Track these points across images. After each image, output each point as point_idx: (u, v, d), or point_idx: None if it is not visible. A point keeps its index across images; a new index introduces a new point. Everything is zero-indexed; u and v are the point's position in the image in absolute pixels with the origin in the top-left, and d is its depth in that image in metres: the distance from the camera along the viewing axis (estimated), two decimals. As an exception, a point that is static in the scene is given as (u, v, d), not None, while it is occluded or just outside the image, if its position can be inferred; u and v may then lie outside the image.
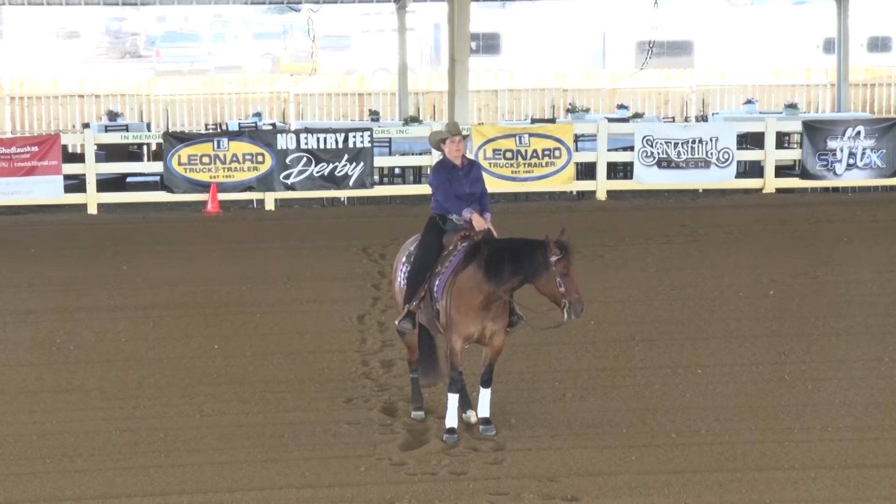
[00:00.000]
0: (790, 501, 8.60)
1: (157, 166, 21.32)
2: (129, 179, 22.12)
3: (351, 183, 20.96)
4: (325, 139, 20.94)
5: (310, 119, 28.77)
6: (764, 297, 14.26)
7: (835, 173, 21.67)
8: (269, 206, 20.87)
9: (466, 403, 10.03)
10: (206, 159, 20.66)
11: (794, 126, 22.43)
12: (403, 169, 22.41)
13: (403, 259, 10.28)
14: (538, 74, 30.89)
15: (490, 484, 8.85)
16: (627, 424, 10.03)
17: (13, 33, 55.26)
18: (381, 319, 13.17)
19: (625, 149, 21.72)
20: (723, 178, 21.48)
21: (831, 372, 11.38)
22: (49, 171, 20.32)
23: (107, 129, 23.72)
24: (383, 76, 34.32)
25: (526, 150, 21.12)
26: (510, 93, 30.18)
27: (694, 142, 21.34)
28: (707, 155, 21.36)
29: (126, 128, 24.17)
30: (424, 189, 20.68)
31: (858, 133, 21.58)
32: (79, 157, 21.22)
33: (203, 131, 25.56)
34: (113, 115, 25.20)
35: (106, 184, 21.26)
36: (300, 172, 20.82)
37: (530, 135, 21.29)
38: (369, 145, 20.96)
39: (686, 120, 28.56)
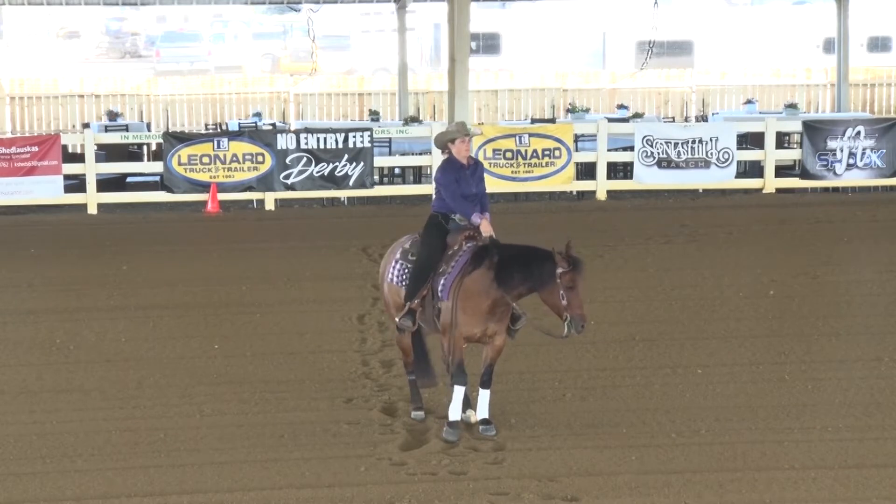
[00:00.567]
0: (790, 501, 8.60)
1: (157, 166, 21.32)
2: (129, 179, 22.12)
3: (351, 183, 20.97)
4: (325, 139, 20.94)
5: (310, 119, 28.77)
6: (764, 297, 14.26)
7: (835, 173, 21.68)
8: (269, 206, 20.87)
9: (466, 403, 10.04)
10: (206, 159, 20.67)
11: (794, 126, 22.43)
12: (403, 169, 22.42)
13: (398, 256, 10.22)
14: (538, 74, 30.90)
15: (490, 484, 8.85)
16: (627, 424, 10.03)
17: (13, 33, 55.28)
18: (381, 319, 13.17)
19: (625, 149, 21.73)
20: (723, 178, 21.49)
21: (831, 372, 11.38)
22: (49, 171, 20.33)
23: (107, 129, 23.72)
24: (383, 76, 34.32)
25: (526, 150, 21.12)
26: (510, 93, 30.18)
27: (694, 142, 21.34)
28: (707, 155, 21.36)
29: (126, 128, 24.17)
30: (424, 189, 20.73)
31: (858, 133, 21.58)
32: (79, 157, 21.23)
33: (203, 131, 25.57)
34: (113, 115, 25.20)
35: (106, 184, 21.26)
36: (300, 172, 20.83)
37: (530, 135, 21.29)
38: (369, 145, 20.96)
39: (686, 120, 28.56)
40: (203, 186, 20.69)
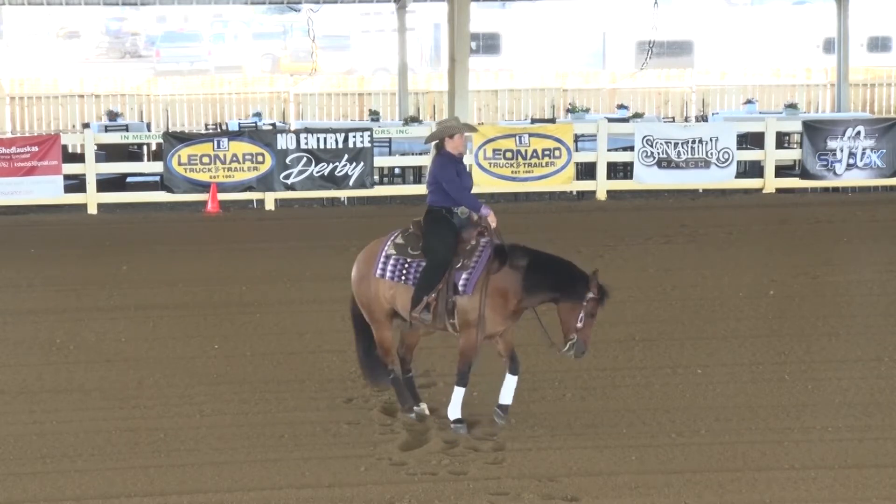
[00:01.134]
0: (790, 501, 8.60)
1: (157, 166, 21.32)
2: (129, 179, 22.12)
3: (351, 183, 20.97)
4: (325, 139, 20.94)
5: (310, 119, 28.77)
6: (764, 297, 14.26)
7: (835, 173, 21.68)
8: (269, 206, 20.87)
9: (416, 398, 10.26)
10: (206, 159, 20.67)
11: (794, 126, 22.43)
12: (403, 169, 22.42)
13: (390, 251, 10.07)
14: (538, 74, 30.90)
15: (490, 484, 8.85)
16: (627, 424, 10.03)
17: (13, 33, 55.28)
18: (381, 319, 13.14)
19: (625, 149, 21.73)
20: (723, 178, 21.49)
21: (831, 372, 11.38)
22: (49, 171, 20.33)
23: (107, 129, 23.73)
24: (383, 76, 34.33)
25: (526, 150, 21.12)
26: (510, 93, 30.18)
27: (694, 142, 21.34)
28: (707, 155, 21.36)
29: (126, 128, 24.17)
30: (424, 189, 20.70)
31: (858, 133, 21.58)
32: (79, 157, 21.22)
33: (203, 131, 25.57)
34: (113, 115, 25.20)
35: (106, 184, 21.26)
36: (300, 172, 20.83)
37: (530, 135, 21.29)
38: (369, 145, 20.96)
39: (686, 120, 28.56)
40: (203, 186, 20.69)
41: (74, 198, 20.67)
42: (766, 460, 9.26)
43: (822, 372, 11.38)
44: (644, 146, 21.29)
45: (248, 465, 9.24)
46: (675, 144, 21.31)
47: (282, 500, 8.66)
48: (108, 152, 22.27)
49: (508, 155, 21.10)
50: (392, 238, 10.26)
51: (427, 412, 10.13)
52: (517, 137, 21.17)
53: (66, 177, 20.56)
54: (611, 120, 22.92)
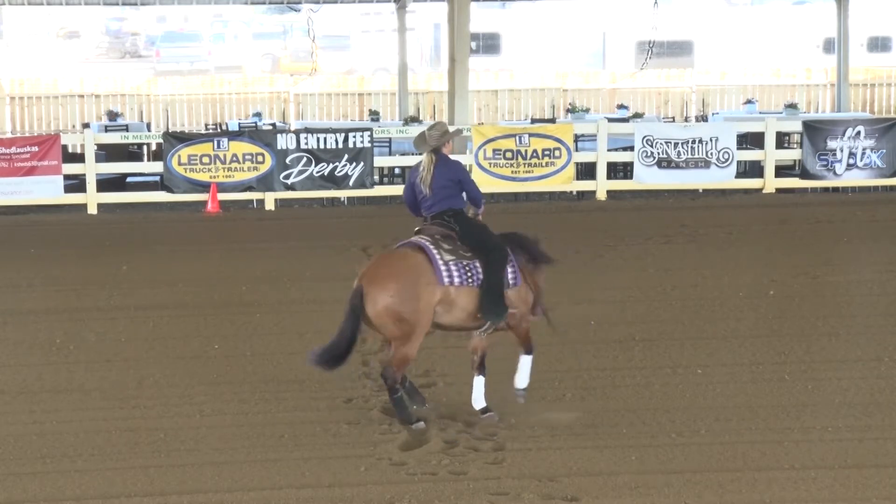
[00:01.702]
0: (790, 501, 8.60)
1: (157, 166, 21.32)
2: (129, 179, 22.13)
3: (351, 183, 20.97)
4: (325, 139, 20.94)
5: (310, 119, 28.79)
6: (764, 297, 14.26)
7: (835, 173, 21.68)
8: (269, 206, 20.88)
9: (421, 399, 10.30)
10: (206, 159, 20.67)
11: (794, 126, 22.44)
12: (403, 169, 22.39)
13: (449, 257, 9.87)
14: (538, 74, 30.91)
15: (490, 484, 8.85)
16: (627, 424, 10.03)
17: (13, 33, 55.29)
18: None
19: (625, 149, 21.73)
20: (723, 178, 21.49)
21: (831, 372, 11.37)
22: (49, 171, 20.33)
23: (107, 129, 23.73)
24: (383, 76, 34.34)
25: (526, 150, 21.12)
26: (510, 93, 30.19)
27: (694, 142, 21.34)
28: (707, 155, 21.36)
29: (126, 128, 24.18)
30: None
31: (858, 133, 21.59)
32: (79, 157, 21.23)
33: (203, 131, 25.58)
34: (113, 115, 25.21)
35: (106, 184, 21.27)
36: (300, 172, 20.83)
37: (530, 135, 21.29)
38: (369, 145, 20.97)
39: (686, 120, 28.57)
40: (203, 186, 20.69)
41: (74, 198, 20.67)
42: (766, 460, 9.25)
43: (822, 372, 11.38)
44: (644, 146, 21.29)
45: (248, 465, 9.23)
46: (675, 144, 21.31)
47: (282, 500, 8.66)
48: (108, 152, 22.27)
49: (508, 155, 21.10)
50: (434, 243, 9.95)
51: (423, 427, 9.95)
52: (517, 137, 21.17)
53: (66, 177, 20.57)
54: (611, 120, 22.92)
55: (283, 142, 20.88)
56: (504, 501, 8.60)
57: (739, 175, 21.92)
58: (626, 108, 25.32)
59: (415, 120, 23.64)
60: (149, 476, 9.04)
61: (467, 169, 19.87)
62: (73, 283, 15.35)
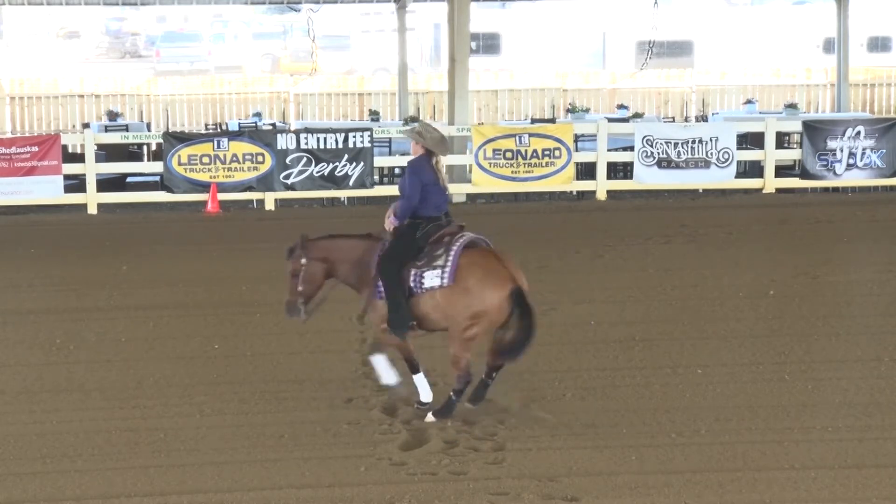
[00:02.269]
0: (790, 501, 8.60)
1: (157, 166, 21.32)
2: (129, 179, 22.13)
3: (351, 183, 20.97)
4: (325, 139, 20.94)
5: (310, 119, 28.79)
6: (764, 297, 14.25)
7: (835, 173, 21.68)
8: (269, 206, 20.87)
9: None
10: (206, 159, 20.67)
11: (794, 126, 22.44)
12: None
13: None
14: (538, 74, 30.91)
15: (490, 484, 8.85)
16: (627, 424, 10.03)
17: (13, 33, 55.29)
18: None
19: (625, 149, 21.73)
20: (723, 178, 21.49)
21: (831, 372, 11.37)
22: (49, 171, 20.33)
23: (107, 129, 23.73)
24: (383, 76, 34.34)
25: (526, 150, 21.12)
26: (510, 93, 30.19)
27: (694, 142, 21.34)
28: (707, 155, 21.36)
29: (126, 128, 24.18)
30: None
31: (858, 133, 21.59)
32: (79, 157, 21.22)
33: (203, 131, 25.58)
34: (113, 115, 25.21)
35: (106, 184, 21.27)
36: (300, 172, 20.83)
37: (530, 135, 21.29)
38: (369, 145, 20.97)
39: (686, 120, 28.57)
40: (203, 186, 20.69)
41: (74, 198, 20.67)
42: (766, 460, 9.25)
43: (822, 372, 11.38)
44: (644, 146, 21.29)
45: (248, 465, 9.23)
46: (675, 144, 21.31)
47: (282, 500, 8.66)
48: (108, 152, 22.27)
49: (508, 155, 21.10)
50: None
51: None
52: (517, 137, 21.17)
53: (66, 177, 20.57)
54: (611, 120, 22.93)
55: (283, 142, 20.88)
56: (504, 501, 8.60)
57: (739, 175, 21.92)
58: (626, 108, 25.33)
59: (415, 120, 23.64)
60: (149, 476, 9.04)
61: (467, 169, 19.94)
62: (73, 283, 15.34)
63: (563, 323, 13.00)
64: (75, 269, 16.26)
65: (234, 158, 20.71)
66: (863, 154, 21.60)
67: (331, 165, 20.86)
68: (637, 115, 24.34)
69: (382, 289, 10.04)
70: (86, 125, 24.60)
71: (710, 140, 21.37)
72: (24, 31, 55.12)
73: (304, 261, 10.62)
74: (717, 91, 30.62)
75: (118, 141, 22.44)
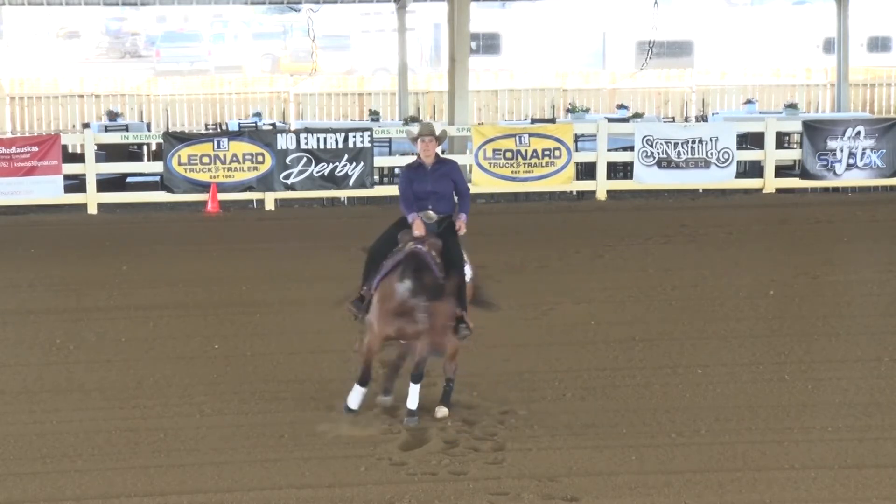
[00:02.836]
0: (790, 501, 8.60)
1: (157, 166, 21.32)
2: (129, 179, 22.12)
3: (351, 183, 20.97)
4: (325, 139, 20.94)
5: (310, 119, 28.77)
6: (764, 297, 14.25)
7: (835, 173, 21.68)
8: (269, 206, 20.87)
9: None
10: (206, 159, 20.67)
11: (794, 126, 22.43)
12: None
13: None
14: (538, 74, 30.90)
15: (490, 484, 8.85)
16: (627, 424, 10.03)
17: (13, 33, 55.27)
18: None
19: (625, 149, 21.73)
20: (723, 178, 21.49)
21: (831, 372, 11.37)
22: (49, 171, 20.33)
23: (107, 129, 23.72)
24: (383, 76, 34.33)
25: (526, 150, 21.12)
26: (510, 93, 30.18)
27: (694, 142, 21.34)
28: (707, 155, 21.36)
29: (126, 128, 24.17)
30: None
31: (858, 133, 21.58)
32: (79, 157, 21.22)
33: (203, 131, 25.57)
34: (113, 115, 25.20)
35: (106, 184, 21.26)
36: (300, 172, 20.83)
37: (530, 135, 21.29)
38: (369, 145, 20.96)
39: (686, 120, 28.56)
40: (203, 186, 20.69)
41: (74, 198, 20.67)
42: (766, 460, 9.25)
43: (822, 372, 11.38)
44: (644, 146, 21.29)
45: (248, 465, 9.23)
46: (675, 144, 21.30)
47: (282, 500, 8.66)
48: (108, 152, 22.27)
49: (508, 155, 21.10)
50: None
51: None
52: (517, 137, 21.16)
53: (66, 177, 20.56)
54: (611, 120, 22.92)
55: (283, 142, 20.87)
56: (504, 501, 8.60)
57: (739, 175, 21.91)
58: (626, 108, 25.31)
59: (415, 120, 23.63)
60: (149, 476, 9.04)
61: (467, 169, 19.93)
62: (73, 283, 15.34)
63: (563, 323, 13.01)
64: (75, 269, 16.26)
65: (234, 158, 20.71)
66: (863, 154, 21.59)
67: (331, 165, 20.86)
68: (637, 115, 24.33)
69: None
70: (86, 125, 24.59)
71: (710, 140, 21.37)
72: (24, 31, 55.09)
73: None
74: (717, 91, 30.61)
75: (118, 141, 22.44)
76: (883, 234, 18.27)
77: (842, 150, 21.56)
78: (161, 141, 21.38)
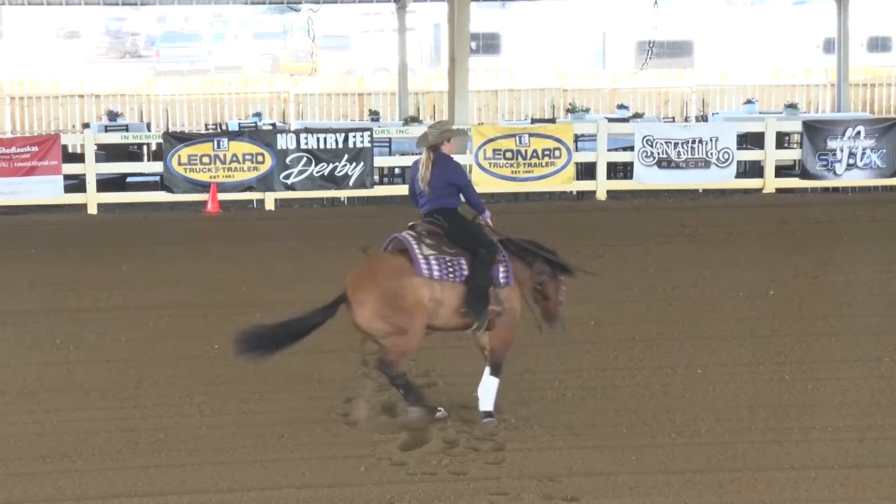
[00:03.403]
0: (790, 501, 8.60)
1: (157, 166, 21.33)
2: (129, 179, 22.13)
3: (351, 183, 20.97)
4: (325, 139, 20.95)
5: (310, 119, 28.79)
6: (764, 297, 14.25)
7: (835, 173, 21.68)
8: (269, 206, 20.88)
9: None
10: (206, 159, 20.67)
11: (794, 126, 22.44)
12: (403, 169, 22.40)
13: (429, 252, 9.86)
14: (538, 74, 30.91)
15: (490, 484, 8.84)
16: (627, 424, 10.03)
17: (13, 33, 55.28)
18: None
19: (625, 149, 21.73)
20: (723, 178, 21.50)
21: (831, 372, 11.37)
22: (49, 171, 20.33)
23: (107, 129, 23.73)
24: (383, 76, 34.34)
25: (526, 150, 21.13)
26: (510, 93, 30.19)
27: (694, 142, 21.35)
28: (707, 155, 21.37)
29: (126, 128, 24.18)
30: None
31: (858, 133, 21.59)
32: (79, 157, 21.23)
33: (203, 131, 25.58)
34: (113, 115, 25.21)
35: (106, 184, 21.27)
36: (300, 172, 20.83)
37: (530, 135, 21.30)
38: (369, 145, 20.97)
39: (686, 120, 28.57)
40: (203, 186, 20.69)
41: (74, 198, 20.67)
42: (766, 460, 9.25)
43: (822, 372, 11.37)
44: (644, 146, 21.30)
45: (248, 465, 9.23)
46: (675, 144, 21.31)
47: (282, 500, 8.65)
48: (108, 152, 22.27)
49: (508, 155, 21.11)
50: (418, 238, 9.96)
51: (445, 414, 10.01)
52: (517, 137, 21.17)
53: (66, 177, 20.57)
54: (611, 120, 22.93)
55: (283, 142, 20.88)
56: (504, 501, 8.60)
57: (739, 175, 21.92)
58: (626, 108, 25.32)
59: (415, 120, 23.66)
60: (149, 476, 9.04)
61: (467, 169, 19.85)
62: (73, 283, 15.34)
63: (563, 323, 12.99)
64: (75, 269, 16.26)
65: (234, 158, 20.71)
66: (863, 154, 21.60)
67: (331, 165, 20.87)
68: (637, 115, 24.34)
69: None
70: (86, 125, 24.60)
71: (710, 140, 21.38)
72: (24, 31, 55.10)
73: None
74: (717, 91, 30.62)
75: (118, 141, 22.45)
76: (883, 234, 18.27)
77: (842, 150, 21.56)
78: (161, 141, 21.39)
